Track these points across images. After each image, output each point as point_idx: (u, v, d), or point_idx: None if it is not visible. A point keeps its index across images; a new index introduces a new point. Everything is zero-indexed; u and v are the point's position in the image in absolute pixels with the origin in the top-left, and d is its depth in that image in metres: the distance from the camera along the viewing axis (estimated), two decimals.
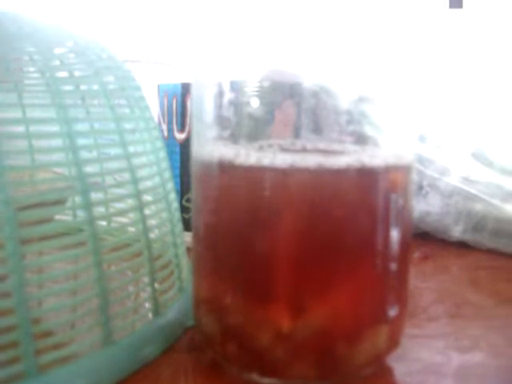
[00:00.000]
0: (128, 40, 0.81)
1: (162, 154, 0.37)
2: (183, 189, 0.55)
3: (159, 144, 0.36)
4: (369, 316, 0.29)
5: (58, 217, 0.35)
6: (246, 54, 0.29)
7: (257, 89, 0.28)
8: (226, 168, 0.28)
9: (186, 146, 0.54)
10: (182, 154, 0.55)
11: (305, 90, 0.27)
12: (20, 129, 0.30)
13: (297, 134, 0.28)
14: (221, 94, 0.29)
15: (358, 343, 0.28)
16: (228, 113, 0.28)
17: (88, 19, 0.76)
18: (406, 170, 0.29)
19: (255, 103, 0.28)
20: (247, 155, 0.27)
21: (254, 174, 0.27)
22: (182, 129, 0.54)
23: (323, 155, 0.27)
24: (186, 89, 0.54)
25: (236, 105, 0.28)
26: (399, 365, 0.31)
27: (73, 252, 0.29)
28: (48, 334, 0.27)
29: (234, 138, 0.28)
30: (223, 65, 0.29)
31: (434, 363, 0.32)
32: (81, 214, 0.29)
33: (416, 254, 0.53)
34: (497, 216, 0.55)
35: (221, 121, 0.29)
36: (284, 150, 0.28)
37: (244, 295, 0.28)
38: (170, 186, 0.37)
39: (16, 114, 0.30)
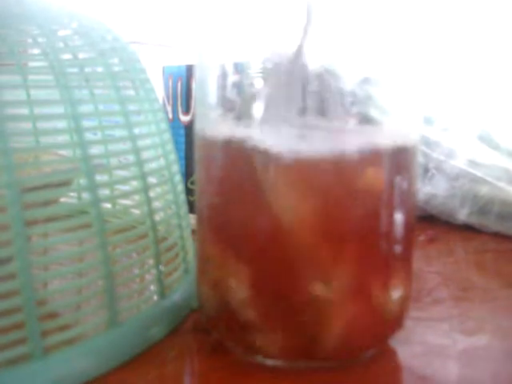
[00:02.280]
0: (133, 22, 0.80)
1: (167, 135, 0.36)
2: (188, 171, 0.55)
3: (164, 126, 0.36)
4: (372, 297, 0.29)
5: (63, 199, 0.35)
6: (250, 35, 0.28)
7: (260, 70, 0.28)
8: (229, 148, 0.28)
9: (191, 127, 0.54)
10: (187, 136, 0.55)
11: (309, 72, 0.27)
12: (24, 111, 0.30)
13: (300, 115, 0.28)
14: (224, 75, 0.28)
15: (360, 324, 0.28)
16: (231, 94, 0.28)
17: (93, 1, 0.76)
18: (410, 151, 0.29)
19: (259, 84, 0.28)
20: (249, 134, 0.27)
21: (257, 153, 0.27)
22: (187, 111, 0.54)
23: (328, 136, 0.27)
24: (190, 71, 0.54)
25: (239, 86, 0.28)
26: (404, 348, 0.31)
27: (78, 234, 0.29)
28: (53, 315, 0.27)
29: (237, 119, 0.28)
30: (226, 46, 0.29)
31: (439, 346, 0.32)
32: (86, 196, 0.29)
33: (421, 237, 0.53)
34: (503, 199, 0.54)
35: (224, 102, 0.29)
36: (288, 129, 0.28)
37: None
38: (175, 168, 0.37)
39: (20, 96, 0.30)
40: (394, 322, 0.30)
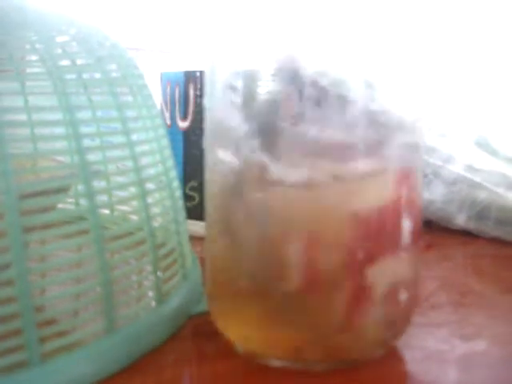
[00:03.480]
0: (131, 28, 0.81)
1: (165, 141, 0.37)
2: (186, 177, 0.55)
3: (162, 132, 0.36)
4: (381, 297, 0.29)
5: (60, 205, 0.35)
6: (256, 42, 0.28)
7: (269, 77, 0.28)
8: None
9: (188, 134, 0.54)
10: (184, 141, 0.55)
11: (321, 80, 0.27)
12: (22, 117, 0.30)
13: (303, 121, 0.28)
14: (234, 81, 0.28)
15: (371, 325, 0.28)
16: (240, 100, 0.28)
17: (91, 7, 0.76)
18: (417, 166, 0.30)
19: (267, 91, 0.28)
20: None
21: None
22: (184, 117, 0.54)
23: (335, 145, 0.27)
24: (188, 77, 0.54)
25: (248, 93, 0.28)
26: (403, 353, 0.31)
27: (75, 240, 0.29)
28: (51, 322, 0.27)
29: (247, 126, 0.28)
30: (235, 53, 0.29)
31: (438, 351, 0.32)
32: (83, 202, 0.29)
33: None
34: (501, 204, 0.54)
35: (234, 109, 0.29)
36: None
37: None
38: (173, 174, 0.37)
39: (18, 102, 0.30)
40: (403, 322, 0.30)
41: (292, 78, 0.27)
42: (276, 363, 0.29)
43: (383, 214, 0.28)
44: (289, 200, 0.27)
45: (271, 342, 0.29)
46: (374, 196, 0.28)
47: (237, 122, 0.28)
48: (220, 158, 0.29)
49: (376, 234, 0.28)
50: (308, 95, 0.27)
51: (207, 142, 0.31)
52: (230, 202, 0.29)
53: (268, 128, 0.27)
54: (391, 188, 0.28)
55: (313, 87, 0.27)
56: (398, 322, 0.30)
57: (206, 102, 0.31)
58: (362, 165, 0.27)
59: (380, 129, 0.28)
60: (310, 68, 0.27)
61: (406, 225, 0.29)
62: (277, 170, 0.27)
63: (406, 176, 0.29)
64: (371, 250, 0.28)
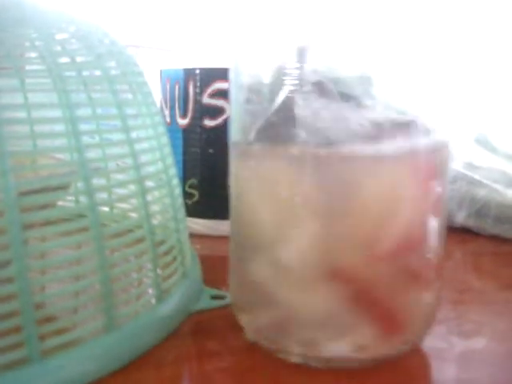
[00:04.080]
0: (130, 25, 0.80)
1: (165, 139, 0.36)
2: (186, 174, 0.55)
3: (161, 129, 0.36)
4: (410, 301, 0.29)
5: (60, 203, 0.35)
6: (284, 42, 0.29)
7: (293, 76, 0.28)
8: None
9: (188, 131, 0.54)
10: (184, 139, 0.55)
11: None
12: (22, 114, 0.30)
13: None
14: (257, 80, 0.29)
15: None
16: (264, 99, 0.29)
17: (90, 4, 0.76)
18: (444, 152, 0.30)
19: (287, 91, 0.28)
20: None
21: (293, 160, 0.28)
22: (184, 114, 0.54)
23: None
24: (188, 74, 0.54)
25: (271, 92, 0.28)
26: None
27: (75, 238, 0.29)
28: (51, 319, 0.27)
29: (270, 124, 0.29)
30: (260, 52, 0.30)
31: (437, 348, 0.32)
32: (83, 199, 0.29)
33: None
34: (500, 202, 0.54)
35: (256, 107, 0.29)
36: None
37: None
38: (173, 171, 0.37)
39: (18, 99, 0.30)
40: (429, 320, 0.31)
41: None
42: (296, 359, 0.30)
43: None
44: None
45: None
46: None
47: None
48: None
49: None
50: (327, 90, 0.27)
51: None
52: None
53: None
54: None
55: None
56: (431, 319, 0.31)
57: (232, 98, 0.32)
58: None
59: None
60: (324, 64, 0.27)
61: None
62: None
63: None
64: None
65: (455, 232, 0.56)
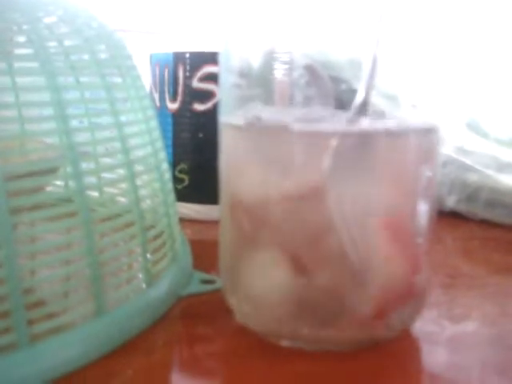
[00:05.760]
0: (119, 9, 0.80)
1: (154, 123, 0.36)
2: (176, 159, 0.55)
3: (150, 113, 0.36)
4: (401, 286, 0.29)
5: (49, 188, 0.35)
6: (275, 25, 0.28)
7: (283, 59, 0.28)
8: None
9: (178, 115, 0.54)
10: (174, 124, 0.54)
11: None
12: (10, 98, 0.29)
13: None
14: (248, 63, 0.29)
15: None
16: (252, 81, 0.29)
17: None
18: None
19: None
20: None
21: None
22: (174, 98, 0.54)
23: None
24: (177, 58, 0.53)
25: (261, 74, 0.28)
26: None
27: (64, 223, 0.28)
28: (40, 304, 0.27)
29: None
30: (249, 36, 0.29)
31: (427, 332, 0.32)
32: (71, 184, 0.29)
33: None
34: (491, 186, 0.54)
35: (246, 89, 0.29)
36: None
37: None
38: (162, 155, 0.37)
39: (5, 83, 0.30)
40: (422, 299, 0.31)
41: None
42: (286, 343, 0.30)
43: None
44: None
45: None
46: None
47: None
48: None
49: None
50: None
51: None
52: None
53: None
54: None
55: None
56: (422, 303, 0.31)
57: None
58: None
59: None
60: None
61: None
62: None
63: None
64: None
65: (446, 216, 0.56)
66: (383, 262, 0.28)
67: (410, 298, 0.29)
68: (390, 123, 0.28)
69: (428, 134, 0.29)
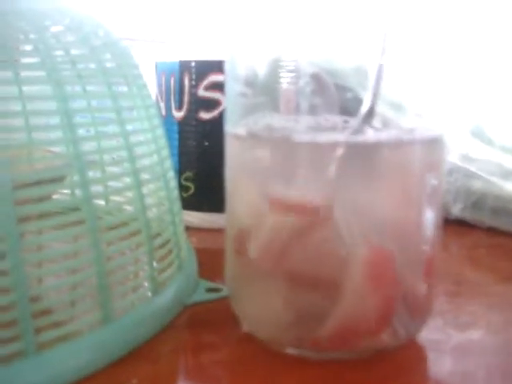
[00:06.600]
0: (125, 18, 0.80)
1: (160, 131, 0.36)
2: (181, 167, 0.55)
3: (157, 122, 0.36)
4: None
5: (56, 196, 0.35)
6: (280, 34, 0.29)
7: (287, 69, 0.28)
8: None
9: (184, 124, 0.54)
10: (180, 132, 0.55)
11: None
12: (17, 107, 0.30)
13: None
14: (254, 72, 0.29)
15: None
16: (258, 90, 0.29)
17: None
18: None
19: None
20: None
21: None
22: (179, 107, 0.54)
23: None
24: (183, 66, 0.53)
25: (267, 82, 0.28)
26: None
27: (71, 231, 0.29)
28: (47, 312, 0.27)
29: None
30: (255, 44, 0.30)
31: (433, 341, 0.32)
32: (78, 192, 0.29)
33: None
34: (496, 194, 0.54)
35: (252, 97, 0.29)
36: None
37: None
38: (168, 164, 0.37)
39: (13, 92, 0.30)
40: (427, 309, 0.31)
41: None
42: (291, 351, 0.30)
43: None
44: None
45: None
46: None
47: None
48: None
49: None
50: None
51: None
52: None
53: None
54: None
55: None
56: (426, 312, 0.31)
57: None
58: None
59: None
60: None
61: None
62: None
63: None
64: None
65: (451, 224, 0.56)
66: (350, 293, 0.27)
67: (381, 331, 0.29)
68: (395, 133, 0.28)
69: (433, 143, 0.29)
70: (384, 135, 0.28)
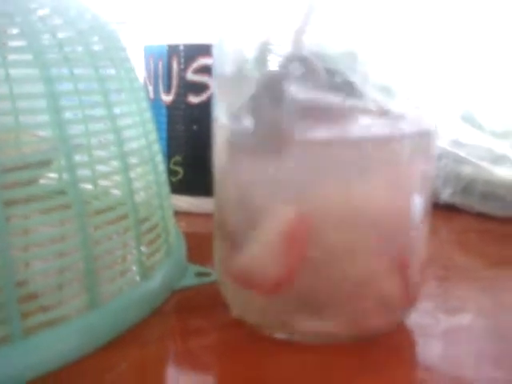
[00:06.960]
0: (113, 1, 0.80)
1: (148, 115, 0.36)
2: (170, 151, 0.54)
3: (144, 105, 0.36)
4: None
5: (43, 180, 0.35)
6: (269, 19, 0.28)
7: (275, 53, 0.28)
8: None
9: (172, 108, 0.54)
10: (168, 116, 0.54)
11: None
12: (4, 90, 0.29)
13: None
14: (241, 56, 0.29)
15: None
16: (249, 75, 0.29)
17: None
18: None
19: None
20: None
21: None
22: (168, 91, 0.54)
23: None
24: (172, 50, 0.53)
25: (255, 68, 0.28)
26: None
27: (58, 215, 0.28)
28: (34, 296, 0.27)
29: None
30: (243, 28, 0.29)
31: (422, 325, 0.32)
32: (65, 176, 0.29)
33: None
34: (486, 179, 0.54)
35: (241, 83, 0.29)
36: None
37: None
38: (156, 147, 0.37)
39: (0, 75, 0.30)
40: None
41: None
42: (280, 335, 0.30)
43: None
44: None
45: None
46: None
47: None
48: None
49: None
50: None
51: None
52: None
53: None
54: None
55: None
56: (414, 296, 0.31)
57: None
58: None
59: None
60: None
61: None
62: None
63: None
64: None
65: (441, 209, 0.56)
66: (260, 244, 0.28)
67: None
68: (385, 126, 0.28)
69: (424, 133, 0.29)
70: (374, 130, 0.28)
